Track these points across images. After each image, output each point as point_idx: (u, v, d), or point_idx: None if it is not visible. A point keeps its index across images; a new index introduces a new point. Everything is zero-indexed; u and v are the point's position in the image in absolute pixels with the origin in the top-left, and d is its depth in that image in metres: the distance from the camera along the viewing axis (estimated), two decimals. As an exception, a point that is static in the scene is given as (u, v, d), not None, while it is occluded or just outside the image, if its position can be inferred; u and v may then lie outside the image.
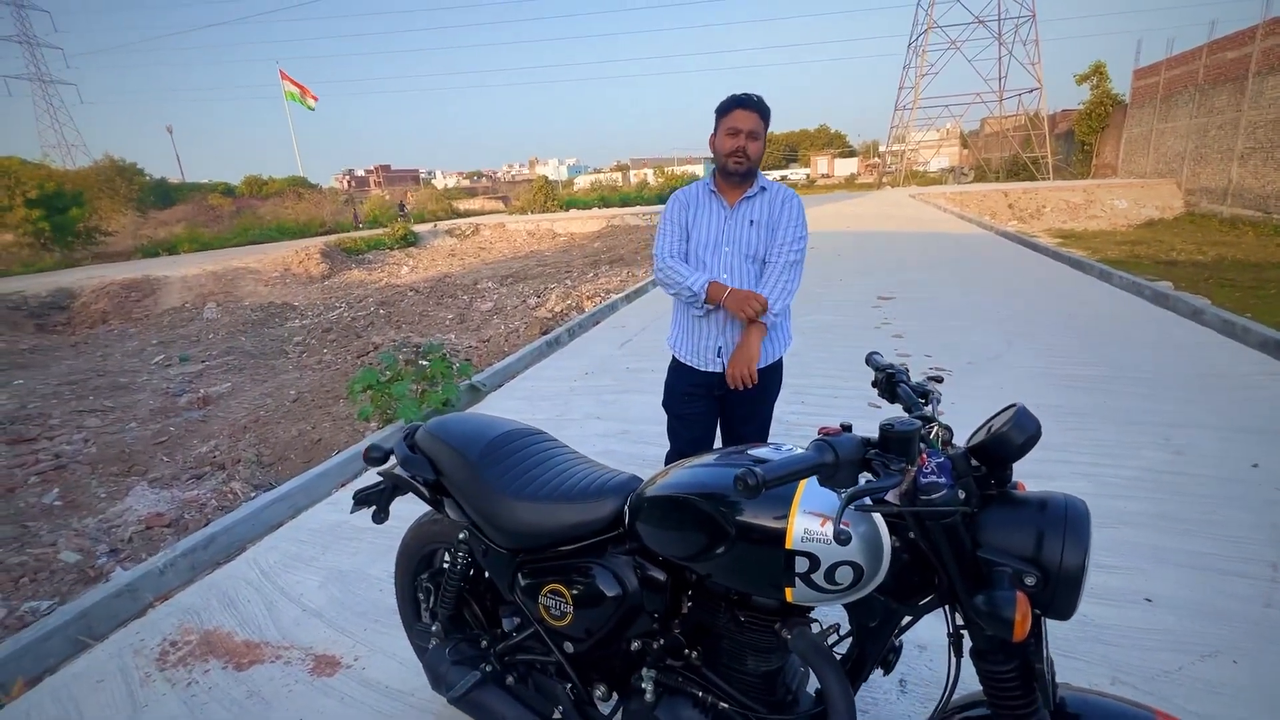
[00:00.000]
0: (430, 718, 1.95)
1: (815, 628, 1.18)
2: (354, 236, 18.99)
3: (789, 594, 1.06)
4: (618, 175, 56.31)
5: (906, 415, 1.11)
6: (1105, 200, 17.52)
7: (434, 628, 1.75)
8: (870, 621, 1.14)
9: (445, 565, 1.74)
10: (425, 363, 4.71)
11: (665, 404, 2.44)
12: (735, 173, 2.13)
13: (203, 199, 32.85)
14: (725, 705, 1.27)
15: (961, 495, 0.94)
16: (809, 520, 1.03)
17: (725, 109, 2.11)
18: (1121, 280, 7.45)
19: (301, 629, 2.41)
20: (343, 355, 7.36)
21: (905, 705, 1.88)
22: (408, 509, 1.82)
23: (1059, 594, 0.90)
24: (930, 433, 1.03)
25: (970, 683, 1.05)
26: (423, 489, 1.60)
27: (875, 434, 0.99)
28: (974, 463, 0.98)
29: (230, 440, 4.77)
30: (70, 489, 4.04)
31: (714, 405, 2.36)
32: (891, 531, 1.03)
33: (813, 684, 1.32)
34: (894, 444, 0.94)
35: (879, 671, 1.21)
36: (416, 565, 1.88)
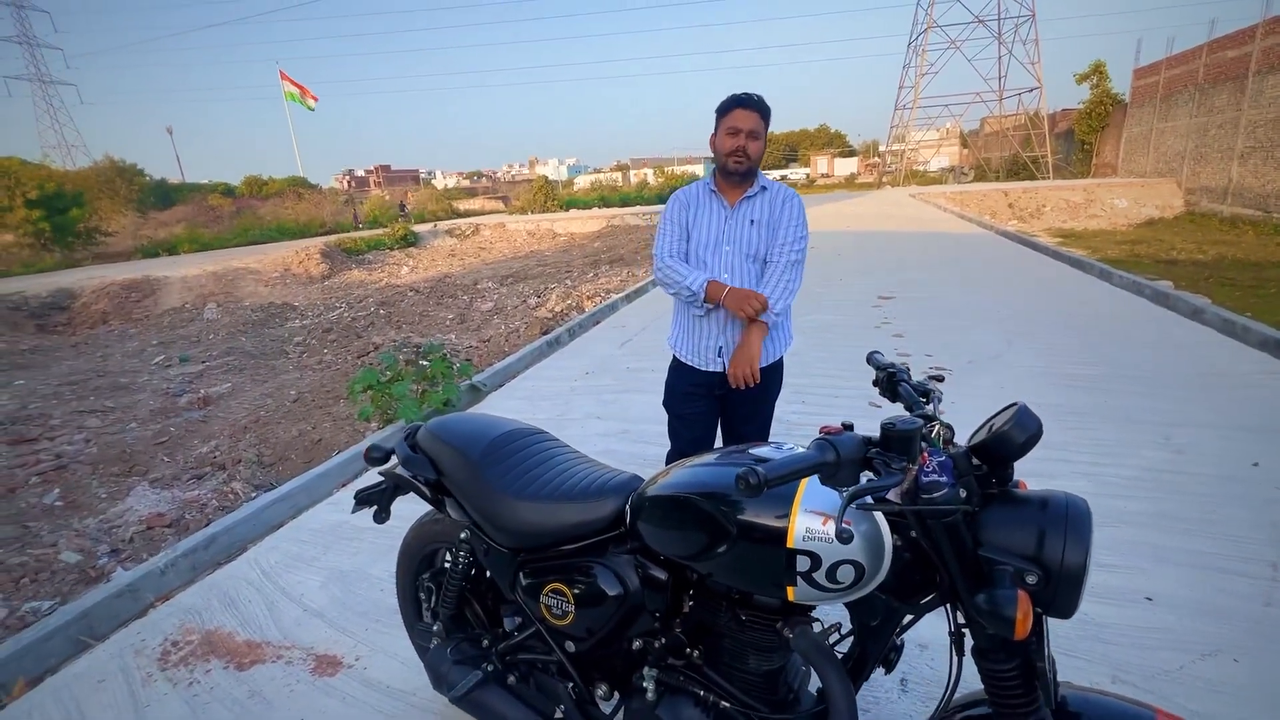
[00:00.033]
0: (432, 717, 1.96)
1: (817, 627, 1.18)
2: (354, 237, 18.99)
3: (790, 593, 1.06)
4: (618, 175, 56.33)
5: (908, 414, 1.12)
6: (1105, 200, 17.52)
7: (435, 627, 1.75)
8: (872, 620, 1.14)
9: (446, 565, 1.74)
10: (426, 363, 4.71)
11: (666, 403, 2.44)
12: (736, 172, 2.13)
13: (203, 199, 32.85)
14: (727, 704, 1.27)
15: (963, 494, 0.94)
16: (810, 519, 1.03)
17: (725, 108, 2.11)
18: (1122, 279, 7.45)
19: (303, 629, 2.41)
20: (343, 355, 7.36)
21: (906, 704, 1.88)
22: (409, 509, 1.82)
23: (1060, 592, 0.90)
24: (931, 431, 1.03)
25: (971, 681, 1.05)
26: (424, 489, 1.60)
27: (876, 433, 0.99)
28: (975, 461, 0.99)
29: (231, 440, 4.77)
30: (71, 489, 4.04)
31: (715, 405, 2.36)
32: (893, 530, 1.03)
33: (814, 683, 1.32)
34: (895, 443, 0.95)
35: (880, 670, 1.21)
36: (418, 565, 1.88)
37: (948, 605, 1.05)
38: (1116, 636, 2.09)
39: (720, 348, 2.24)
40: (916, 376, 1.30)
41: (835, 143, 79.19)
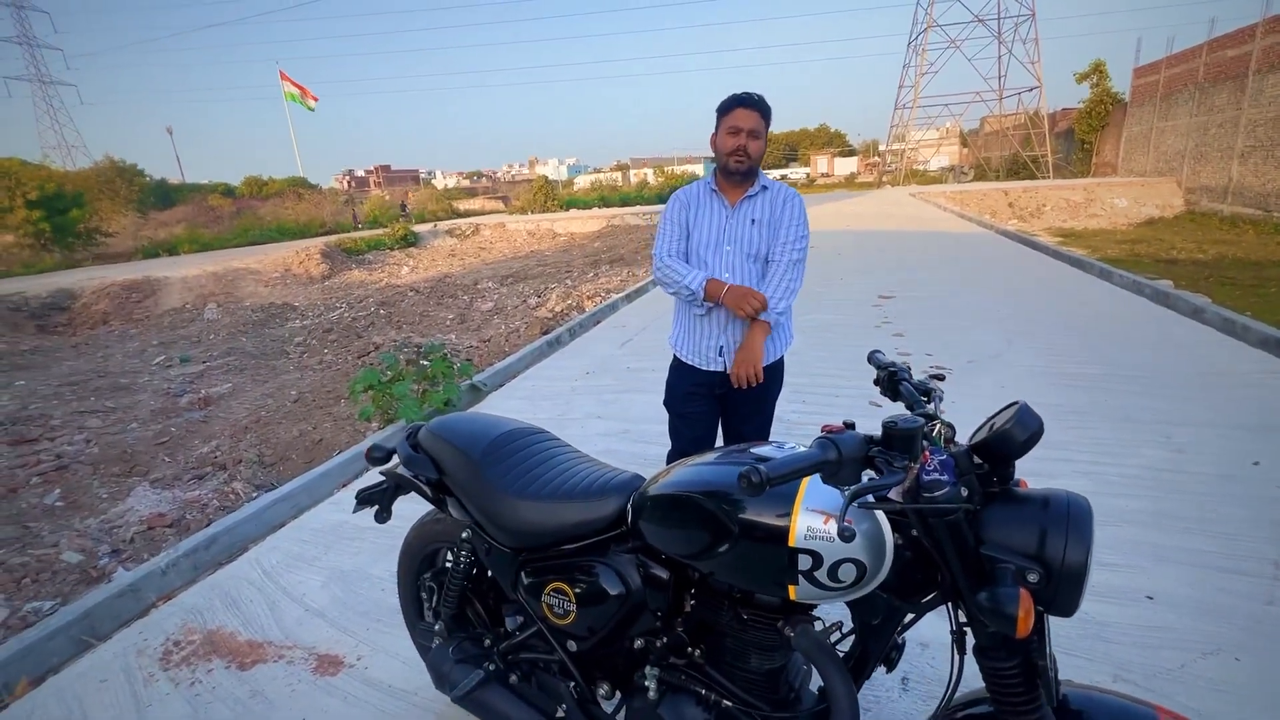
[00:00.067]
0: (433, 717, 1.96)
1: (818, 625, 1.19)
2: (354, 237, 18.99)
3: (792, 592, 1.06)
4: (618, 175, 56.33)
5: (909, 413, 1.12)
6: (1105, 199, 17.52)
7: (437, 627, 1.75)
8: (873, 619, 1.14)
9: (448, 564, 1.75)
10: (426, 363, 4.71)
11: (667, 403, 2.44)
12: (736, 171, 2.14)
13: (203, 200, 32.86)
14: (728, 703, 1.27)
15: (964, 492, 0.94)
16: (812, 518, 1.03)
17: (726, 108, 2.11)
18: (1122, 279, 7.44)
19: (304, 629, 2.42)
20: (343, 355, 7.36)
21: (907, 703, 1.88)
22: (410, 508, 1.82)
23: (1062, 591, 0.90)
24: (933, 430, 1.04)
25: (972, 680, 1.05)
26: (425, 488, 1.60)
27: (877, 432, 0.99)
28: (976, 460, 0.99)
29: (231, 441, 4.77)
30: (72, 490, 4.04)
31: (715, 404, 2.36)
32: (894, 529, 1.03)
33: (816, 682, 1.32)
34: (897, 441, 0.95)
35: (882, 669, 1.21)
36: (419, 564, 1.88)
37: (949, 604, 1.05)
38: (1117, 635, 2.09)
39: (721, 347, 2.24)
40: (917, 376, 1.30)
41: (835, 142, 79.17)
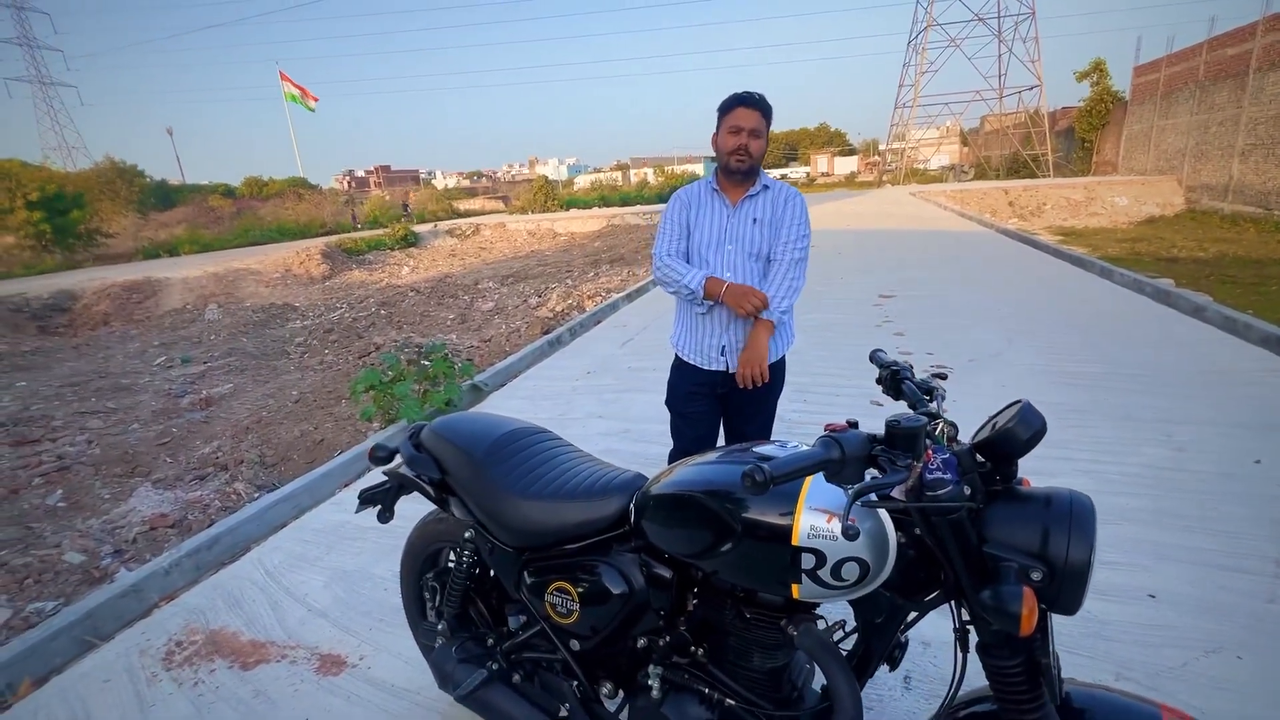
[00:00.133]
0: (436, 716, 1.96)
1: (821, 624, 1.19)
2: (354, 237, 18.99)
3: (795, 590, 1.07)
4: (618, 174, 56.32)
5: (911, 412, 1.12)
6: (1106, 197, 17.50)
7: (440, 626, 1.76)
8: (876, 617, 1.14)
9: (451, 564, 1.75)
10: (427, 363, 4.71)
11: (668, 403, 2.45)
12: (737, 170, 2.14)
13: (203, 200, 32.85)
14: (731, 702, 1.27)
15: (967, 491, 0.94)
16: (815, 517, 1.03)
17: (727, 107, 2.11)
18: (1123, 278, 7.44)
19: (307, 628, 2.42)
20: (344, 356, 7.36)
21: (910, 701, 1.88)
22: (413, 508, 1.83)
23: (1065, 589, 0.91)
24: (935, 429, 1.04)
25: (975, 679, 1.05)
26: (428, 488, 1.60)
27: (880, 430, 0.99)
28: (979, 459, 0.99)
29: (233, 441, 4.78)
30: (74, 490, 4.04)
31: (717, 404, 2.36)
32: (897, 527, 1.04)
33: (818, 680, 1.32)
34: (900, 440, 0.95)
35: (884, 668, 1.21)
36: (422, 564, 1.88)
37: (952, 602, 1.05)
38: (1119, 634, 2.09)
39: (723, 347, 2.24)
40: (919, 375, 1.30)
41: (835, 141, 79.15)
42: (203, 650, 2.34)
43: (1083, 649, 2.03)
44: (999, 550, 0.94)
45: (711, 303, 2.18)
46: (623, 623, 1.36)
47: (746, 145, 2.09)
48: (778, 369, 2.32)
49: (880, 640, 1.16)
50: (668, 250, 2.26)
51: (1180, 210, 16.60)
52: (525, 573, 1.50)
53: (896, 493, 0.99)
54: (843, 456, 0.93)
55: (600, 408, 4.53)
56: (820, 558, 1.02)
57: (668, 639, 1.34)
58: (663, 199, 28.54)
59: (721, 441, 2.46)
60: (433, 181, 68.66)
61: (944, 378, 1.29)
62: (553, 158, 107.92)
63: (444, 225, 22.78)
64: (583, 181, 55.78)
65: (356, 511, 1.78)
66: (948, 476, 0.93)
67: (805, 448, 1.01)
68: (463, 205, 36.64)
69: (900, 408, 1.19)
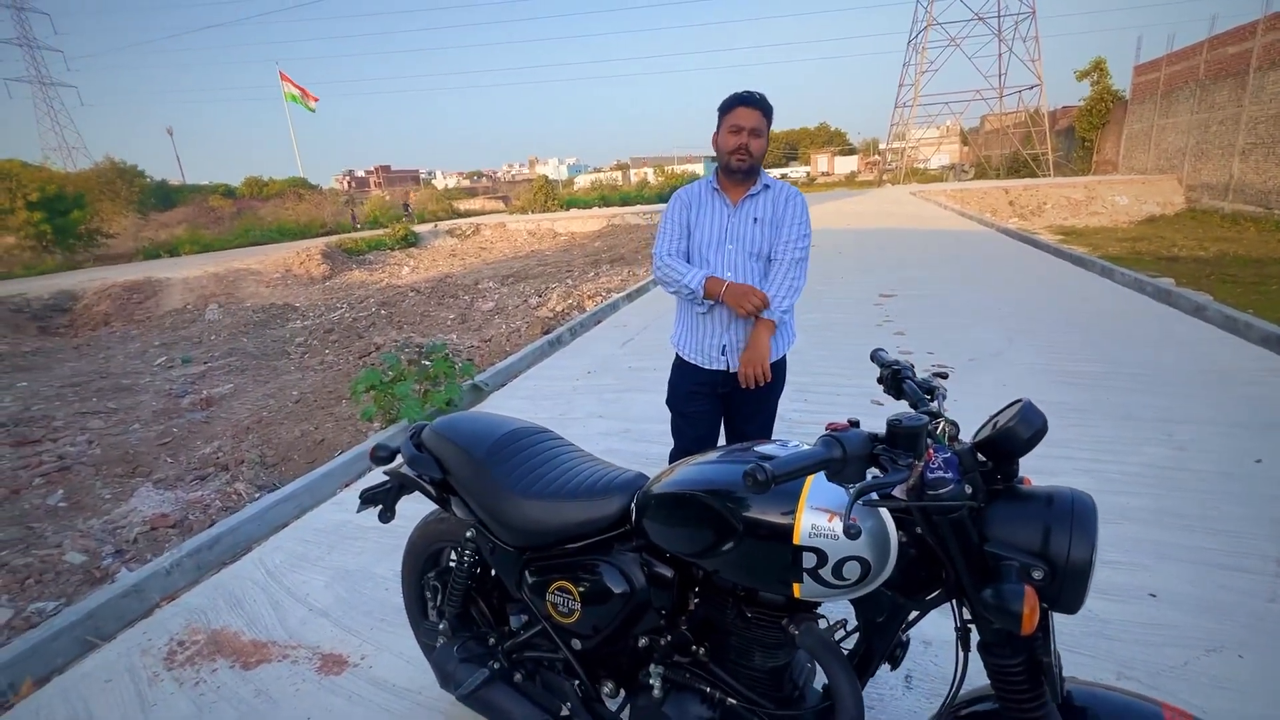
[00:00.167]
0: (438, 716, 1.96)
1: (822, 623, 1.19)
2: (354, 237, 19.00)
3: (796, 590, 1.07)
4: (618, 174, 56.32)
5: (913, 411, 1.12)
6: (1106, 197, 17.49)
7: (441, 626, 1.76)
8: (877, 616, 1.14)
9: (452, 564, 1.75)
10: (428, 363, 4.71)
11: (669, 402, 2.45)
12: (738, 170, 2.14)
13: (203, 200, 32.88)
14: (733, 701, 1.27)
15: (968, 490, 0.95)
16: (816, 516, 1.03)
17: (728, 106, 2.11)
18: (1123, 277, 7.44)
19: (308, 628, 2.42)
20: (345, 356, 7.36)
21: (911, 700, 1.89)
22: (414, 508, 1.83)
23: (1066, 588, 0.91)
24: (937, 428, 1.04)
25: (977, 678, 1.05)
26: (429, 487, 1.61)
27: (881, 430, 0.99)
28: (980, 458, 0.99)
29: (233, 441, 4.78)
30: (75, 490, 4.04)
31: (718, 403, 2.36)
32: (898, 526, 1.04)
33: (820, 679, 1.32)
34: (901, 439, 0.95)
35: (886, 667, 1.21)
36: (423, 564, 1.88)
37: (954, 601, 1.05)
38: (1120, 633, 2.09)
39: (724, 346, 2.24)
40: (920, 374, 1.30)
41: (835, 141, 79.14)
42: (204, 650, 2.34)
43: (1084, 648, 2.03)
44: (1000, 549, 0.94)
45: (712, 302, 2.18)
46: (624, 622, 1.36)
47: (747, 144, 2.09)
48: (779, 368, 2.32)
49: (881, 639, 1.16)
50: (668, 250, 2.26)
51: (1181, 209, 16.59)
52: (526, 572, 1.50)
53: (898, 492, 0.99)
54: (844, 456, 0.93)
55: (601, 407, 4.53)
56: (822, 557, 1.02)
57: (669, 638, 1.34)
58: (663, 199, 28.54)
59: (722, 441, 2.47)
60: (433, 181, 68.68)
61: (945, 377, 1.29)
62: (553, 157, 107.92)
63: (444, 225, 22.78)
64: (583, 181, 55.78)
65: (358, 511, 1.78)
66: (949, 475, 0.93)
67: (806, 447, 1.01)
68: (463, 205, 36.66)
69: (901, 407, 1.19)
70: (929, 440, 0.98)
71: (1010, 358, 4.92)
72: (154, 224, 25.64)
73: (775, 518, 1.06)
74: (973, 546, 0.96)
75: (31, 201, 17.94)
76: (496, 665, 1.61)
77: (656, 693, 1.33)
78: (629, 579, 1.33)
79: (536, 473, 1.50)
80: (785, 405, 2.57)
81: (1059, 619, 0.99)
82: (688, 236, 2.27)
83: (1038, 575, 0.91)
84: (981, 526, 0.97)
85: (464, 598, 1.72)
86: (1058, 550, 0.90)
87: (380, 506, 1.71)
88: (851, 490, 0.90)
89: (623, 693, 1.47)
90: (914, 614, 1.15)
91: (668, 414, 2.46)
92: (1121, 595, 2.26)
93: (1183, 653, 1.99)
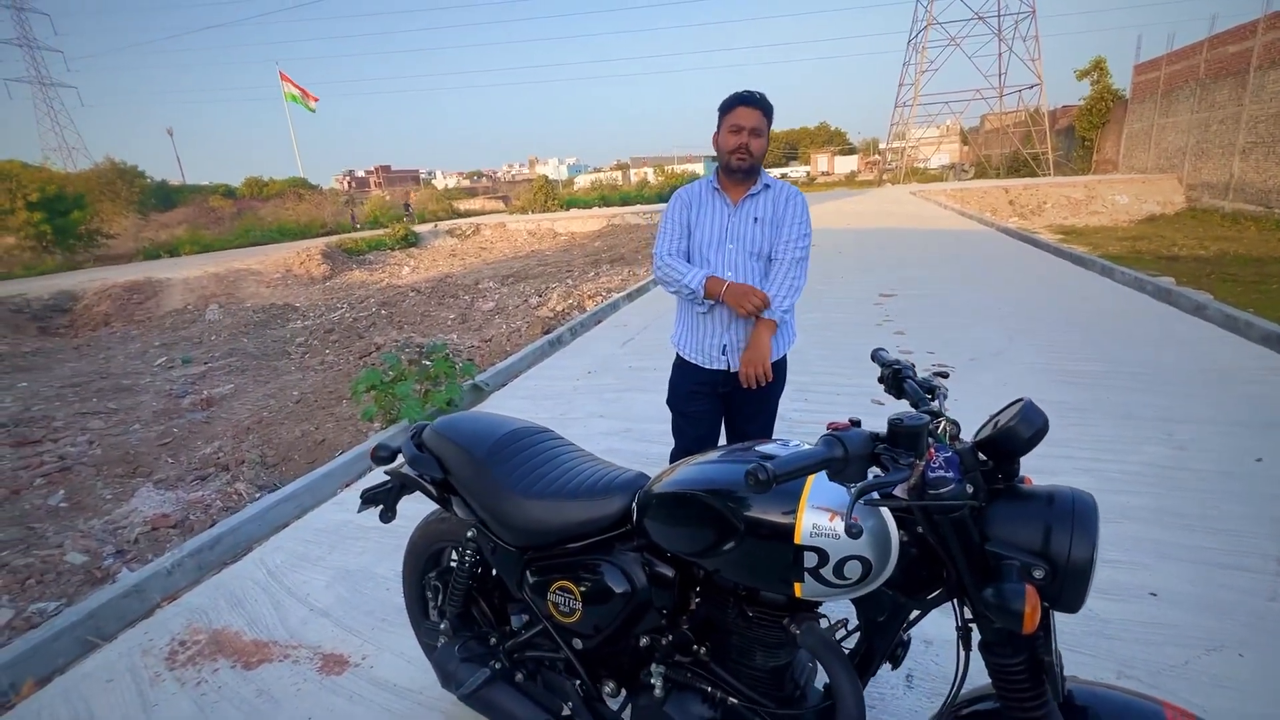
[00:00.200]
0: (439, 715, 1.96)
1: (823, 622, 1.19)
2: (355, 237, 19.01)
3: (798, 589, 1.07)
4: (618, 174, 56.30)
5: (914, 410, 1.12)
6: (1106, 196, 17.49)
7: (442, 626, 1.76)
8: (878, 616, 1.15)
9: (453, 563, 1.75)
10: (428, 363, 4.72)
11: (670, 402, 2.45)
12: (738, 169, 2.14)
13: (204, 201, 32.89)
14: (734, 700, 1.28)
15: (969, 489, 0.95)
16: (817, 515, 1.03)
17: (728, 106, 2.11)
18: (1124, 276, 7.44)
19: (309, 628, 2.42)
20: (345, 356, 7.36)
21: (912, 700, 1.89)
22: (415, 508, 1.83)
23: (1067, 587, 0.91)
24: (938, 427, 1.04)
25: (978, 677, 1.05)
26: (430, 487, 1.61)
27: (882, 429, 0.99)
28: (981, 457, 0.99)
29: (234, 441, 4.78)
30: (75, 491, 4.05)
31: (719, 403, 2.36)
32: (899, 526, 1.04)
33: (821, 678, 1.32)
34: (903, 438, 0.95)
35: (887, 666, 1.21)
36: (424, 564, 1.88)
37: (954, 600, 1.05)
38: (1121, 632, 2.09)
39: (724, 346, 2.24)
40: (920, 373, 1.30)
41: (835, 140, 79.13)
42: (205, 650, 2.34)
43: (1084, 647, 2.03)
44: (1001, 548, 0.94)
45: (712, 302, 2.19)
46: (625, 621, 1.36)
47: (747, 144, 2.09)
48: (779, 368, 2.32)
49: (883, 639, 1.16)
50: (668, 250, 2.26)
51: (1181, 208, 16.59)
52: (528, 572, 1.50)
53: (899, 491, 0.99)
54: (845, 455, 0.93)
55: (601, 407, 4.53)
56: (823, 556, 1.02)
57: (670, 638, 1.34)
58: (663, 199, 28.54)
59: (723, 441, 2.47)
60: (433, 181, 68.69)
61: (945, 376, 1.29)
62: (553, 157, 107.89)
63: (444, 225, 22.79)
64: (583, 181, 55.75)
65: (359, 511, 1.78)
66: (950, 475, 0.93)
67: (808, 446, 1.01)
68: (463, 205, 36.67)
69: (902, 406, 1.19)
70: (930, 439, 0.98)
71: (1011, 357, 4.92)
72: (154, 224, 25.65)
73: (776, 517, 1.06)
74: (974, 546, 0.96)
75: (32, 202, 17.95)
76: (498, 665, 1.61)
77: (658, 692, 1.33)
78: (630, 578, 1.33)
79: (537, 472, 1.50)
80: (786, 405, 2.57)
81: (1059, 618, 0.99)
82: (688, 236, 2.26)
83: (1039, 574, 0.91)
84: (983, 526, 0.97)
85: (465, 597, 1.72)
86: (1059, 549, 0.90)
87: (381, 506, 1.71)
88: (853, 489, 0.90)
89: (624, 692, 1.47)
90: (915, 613, 1.15)
91: (668, 414, 2.47)
92: (1122, 594, 2.26)
93: (1183, 652, 1.99)
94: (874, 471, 0.97)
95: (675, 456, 2.42)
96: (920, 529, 1.02)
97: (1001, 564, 0.93)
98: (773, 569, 1.09)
